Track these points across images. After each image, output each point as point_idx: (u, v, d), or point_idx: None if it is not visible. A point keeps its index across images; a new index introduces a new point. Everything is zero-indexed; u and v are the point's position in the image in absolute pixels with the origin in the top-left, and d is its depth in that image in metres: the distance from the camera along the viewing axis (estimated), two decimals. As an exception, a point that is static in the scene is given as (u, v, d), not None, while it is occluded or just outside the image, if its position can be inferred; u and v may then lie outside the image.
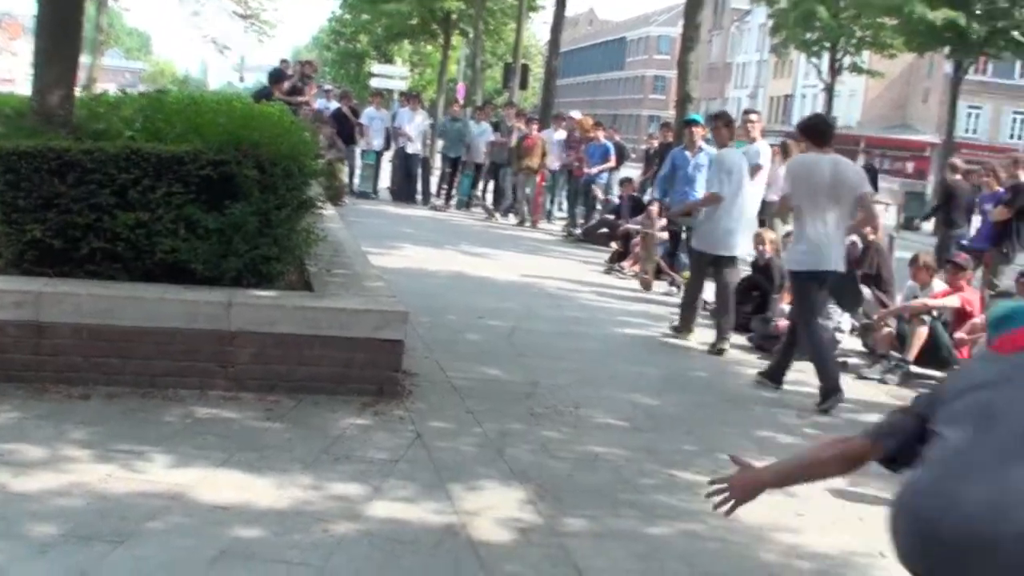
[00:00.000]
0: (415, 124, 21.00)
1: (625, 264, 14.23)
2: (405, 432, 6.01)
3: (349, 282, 7.51)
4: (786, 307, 10.03)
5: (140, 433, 5.53)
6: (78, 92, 8.21)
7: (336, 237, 9.44)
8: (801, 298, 8.26)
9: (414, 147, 20.99)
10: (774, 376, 8.41)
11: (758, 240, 11.12)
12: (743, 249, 10.51)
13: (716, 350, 9.46)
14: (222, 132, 6.98)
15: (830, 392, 7.91)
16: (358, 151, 21.39)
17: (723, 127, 10.22)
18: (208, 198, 6.72)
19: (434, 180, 21.84)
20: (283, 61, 22.90)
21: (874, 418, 7.44)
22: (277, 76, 18.58)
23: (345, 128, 20.24)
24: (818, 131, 8.30)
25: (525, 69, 32.13)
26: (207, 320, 6.35)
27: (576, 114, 21.40)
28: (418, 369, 7.40)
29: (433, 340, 8.47)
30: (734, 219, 9.91)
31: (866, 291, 10.43)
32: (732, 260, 10.04)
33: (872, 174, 16.41)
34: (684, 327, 10.08)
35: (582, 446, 6.19)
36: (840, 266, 8.24)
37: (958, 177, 15.39)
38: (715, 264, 9.97)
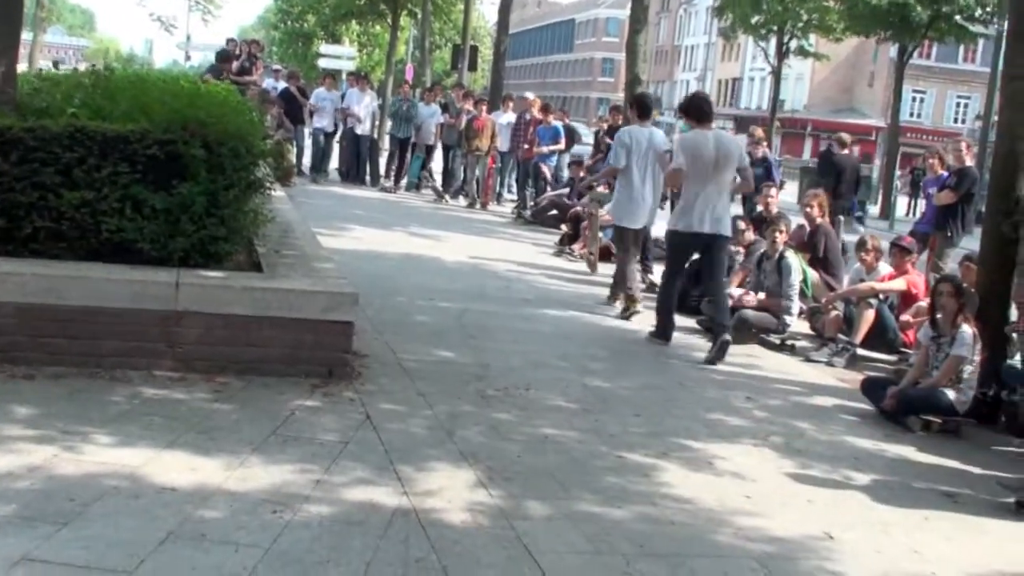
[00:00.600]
0: (364, 105, 20.87)
1: (575, 247, 14.25)
2: (355, 414, 5.99)
3: (298, 263, 7.47)
4: (735, 290, 10.12)
5: (86, 414, 5.47)
6: (20, 69, 8.08)
7: (285, 218, 9.39)
8: (671, 255, 9.43)
9: (363, 128, 20.87)
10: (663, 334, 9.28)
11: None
12: (646, 222, 10.86)
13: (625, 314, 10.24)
14: (168, 111, 6.90)
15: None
16: (306, 132, 21.24)
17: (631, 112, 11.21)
18: (155, 178, 6.65)
19: (383, 161, 21.74)
20: (230, 40, 22.66)
21: (821, 401, 7.58)
22: (225, 55, 18.41)
23: (293, 108, 20.10)
24: (700, 109, 9.34)
25: (474, 50, 32.11)
26: (154, 300, 6.28)
27: (529, 95, 21.38)
28: (368, 351, 7.37)
29: (383, 322, 8.45)
30: (636, 193, 10.42)
31: (813, 274, 10.53)
32: (635, 233, 10.72)
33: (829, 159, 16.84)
34: (611, 296, 10.86)
35: (533, 428, 6.20)
36: (717, 230, 9.06)
37: (845, 152, 16.77)
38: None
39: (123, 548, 4.01)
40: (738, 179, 9.36)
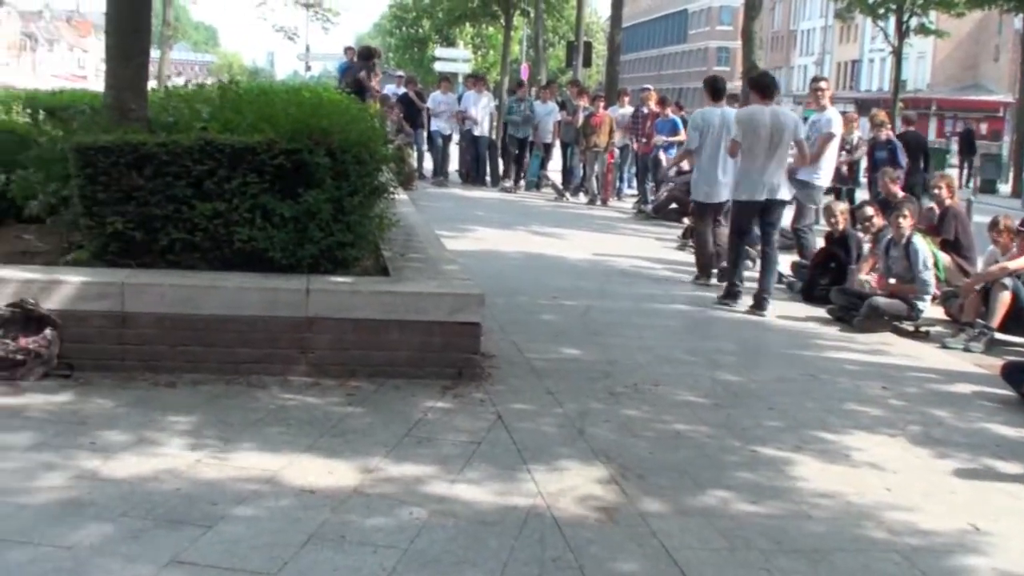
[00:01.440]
0: (481, 106, 21.00)
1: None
2: (486, 414, 6.03)
3: (424, 266, 7.55)
4: (864, 277, 9.91)
5: (226, 419, 5.61)
6: (151, 86, 8.33)
7: (408, 221, 9.50)
8: (735, 220, 10.27)
9: (480, 129, 20.99)
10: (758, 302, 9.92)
11: (829, 213, 11.02)
12: (723, 197, 11.34)
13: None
14: (292, 121, 7.03)
15: (728, 295, 10.09)
16: (425, 135, 21.44)
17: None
18: (282, 187, 6.79)
19: (502, 161, 21.84)
20: (348, 49, 23.00)
21: (960, 388, 7.38)
22: (368, 53, 18.66)
23: (411, 112, 20.32)
24: (761, 84, 10.24)
25: (588, 46, 32.02)
26: (286, 307, 6.42)
27: (648, 88, 21.24)
28: (495, 351, 7.41)
29: (509, 321, 8.48)
30: (712, 170, 11.26)
31: (946, 258, 10.25)
32: (714, 208, 11.52)
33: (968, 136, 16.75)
34: (701, 274, 11.37)
35: (663, 424, 6.16)
36: (776, 195, 9.95)
37: (912, 128, 17.21)
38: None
39: (266, 551, 4.10)
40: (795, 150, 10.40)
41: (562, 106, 21.07)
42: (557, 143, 21.21)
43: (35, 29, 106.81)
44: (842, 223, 10.75)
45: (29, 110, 11.24)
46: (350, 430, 5.58)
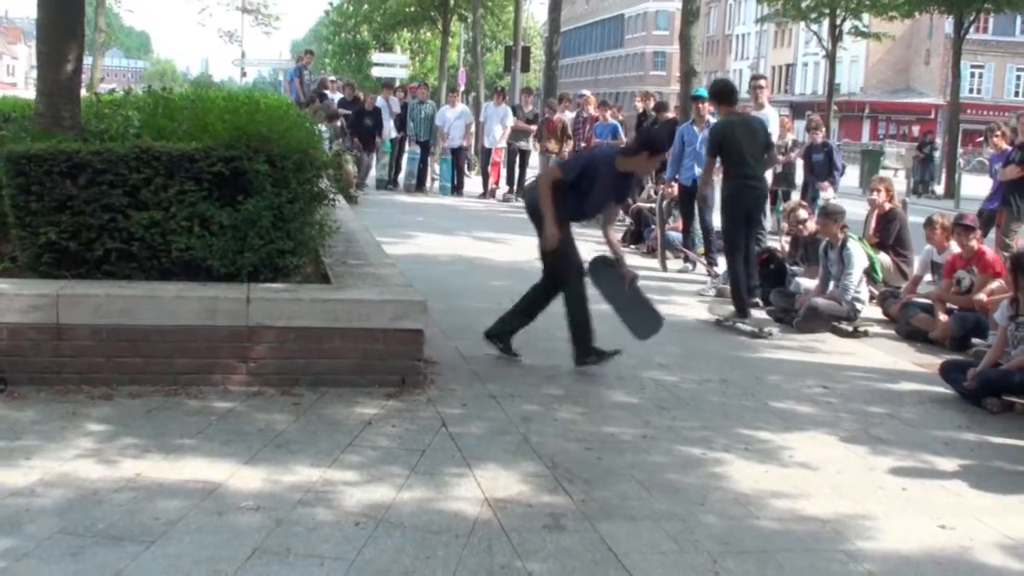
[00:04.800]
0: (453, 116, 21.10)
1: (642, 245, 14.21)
2: (430, 421, 5.99)
3: (365, 273, 7.49)
4: (808, 282, 9.98)
5: (165, 431, 5.52)
6: (83, 94, 8.19)
7: (348, 228, 9.42)
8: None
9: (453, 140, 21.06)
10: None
11: (793, 216, 11.14)
12: None
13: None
14: (229, 128, 6.94)
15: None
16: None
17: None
18: (220, 195, 6.70)
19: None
20: (307, 52, 22.96)
21: (899, 386, 7.44)
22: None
23: (358, 121, 20.26)
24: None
25: (526, 51, 32.00)
26: (226, 316, 6.33)
27: (586, 93, 21.35)
28: (438, 357, 7.38)
29: (450, 326, 8.45)
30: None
31: (885, 258, 10.37)
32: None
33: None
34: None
35: (606, 427, 6.16)
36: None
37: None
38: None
39: (209, 565, 4.03)
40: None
41: (515, 111, 21.16)
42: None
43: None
44: (810, 226, 10.84)
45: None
46: (293, 440, 5.51)
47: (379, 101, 21.14)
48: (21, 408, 5.76)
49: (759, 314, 9.78)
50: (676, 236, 13.40)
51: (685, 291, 11.22)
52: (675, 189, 13.22)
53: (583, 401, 6.70)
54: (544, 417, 6.27)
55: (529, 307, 7.83)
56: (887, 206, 10.91)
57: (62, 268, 6.60)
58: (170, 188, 6.62)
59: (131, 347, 6.22)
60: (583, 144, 19.01)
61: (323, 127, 14.96)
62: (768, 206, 12.98)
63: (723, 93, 9.90)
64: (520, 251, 13.25)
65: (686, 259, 12.91)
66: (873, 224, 11.05)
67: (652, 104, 18.80)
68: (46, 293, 6.18)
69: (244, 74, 52.00)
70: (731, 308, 9.53)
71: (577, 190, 7.48)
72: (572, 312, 7.58)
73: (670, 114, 17.56)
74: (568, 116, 20.13)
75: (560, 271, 7.66)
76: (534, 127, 20.31)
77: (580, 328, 7.53)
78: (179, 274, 6.69)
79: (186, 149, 6.72)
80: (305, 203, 7.05)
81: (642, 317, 7.97)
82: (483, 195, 20.93)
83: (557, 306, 9.82)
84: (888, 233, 10.78)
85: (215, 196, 6.69)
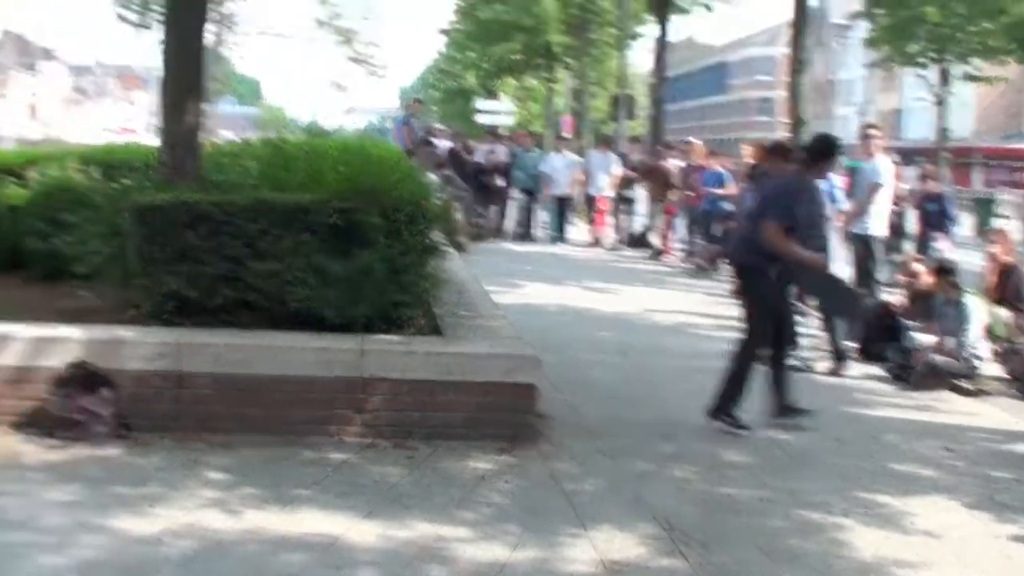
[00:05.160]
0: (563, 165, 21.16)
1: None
2: (542, 477, 5.96)
3: (477, 325, 7.50)
4: (922, 337, 9.75)
5: (283, 481, 5.58)
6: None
7: (459, 278, 9.45)
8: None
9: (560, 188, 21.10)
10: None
11: (907, 270, 10.92)
12: None
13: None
14: (343, 179, 7.03)
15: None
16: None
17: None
18: (335, 246, 6.78)
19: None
20: (416, 101, 23.36)
21: (1018, 449, 7.20)
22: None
23: (460, 167, 20.39)
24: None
25: (631, 99, 32.05)
26: (341, 367, 6.39)
27: (695, 141, 21.26)
28: (549, 410, 7.33)
29: (561, 379, 8.40)
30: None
31: (1006, 314, 10.10)
32: None
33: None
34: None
35: (723, 488, 6.06)
36: None
37: None
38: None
39: (328, 621, 4.04)
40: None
41: (623, 158, 21.17)
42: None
43: (85, 84, 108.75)
44: (926, 280, 10.58)
45: (84, 166, 11.38)
46: (407, 494, 5.52)
47: (482, 148, 21.30)
48: (145, 455, 5.88)
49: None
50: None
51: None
52: None
53: (697, 459, 6.60)
54: (658, 475, 6.20)
55: (739, 371, 7.54)
56: (1006, 260, 10.63)
57: (183, 317, 6.73)
58: (286, 239, 6.72)
59: (249, 396, 6.31)
60: (690, 193, 18.89)
61: (431, 175, 15.09)
62: (882, 257, 12.71)
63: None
64: (628, 301, 13.22)
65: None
66: (992, 279, 10.77)
67: (761, 155, 18.57)
68: (168, 342, 6.32)
69: (354, 122, 52.83)
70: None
71: (796, 222, 7.45)
72: (739, 365, 7.48)
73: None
74: (673, 164, 20.05)
75: (759, 319, 7.55)
76: (640, 175, 20.26)
77: (735, 384, 7.42)
78: (295, 324, 6.77)
79: (302, 200, 6.83)
80: (418, 255, 7.09)
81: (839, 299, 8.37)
82: (589, 244, 20.89)
83: (669, 359, 9.77)
84: (1007, 288, 10.50)
85: (330, 247, 6.77)
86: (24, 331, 6.37)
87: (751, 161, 18.15)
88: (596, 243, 20.80)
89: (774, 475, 6.39)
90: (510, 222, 21.64)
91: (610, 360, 9.58)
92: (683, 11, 29.28)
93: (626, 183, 20.65)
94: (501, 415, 6.54)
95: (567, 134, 30.70)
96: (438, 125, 29.24)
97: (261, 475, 5.67)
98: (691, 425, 7.38)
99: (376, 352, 6.45)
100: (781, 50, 79.84)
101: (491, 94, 49.66)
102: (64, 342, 6.27)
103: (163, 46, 7.99)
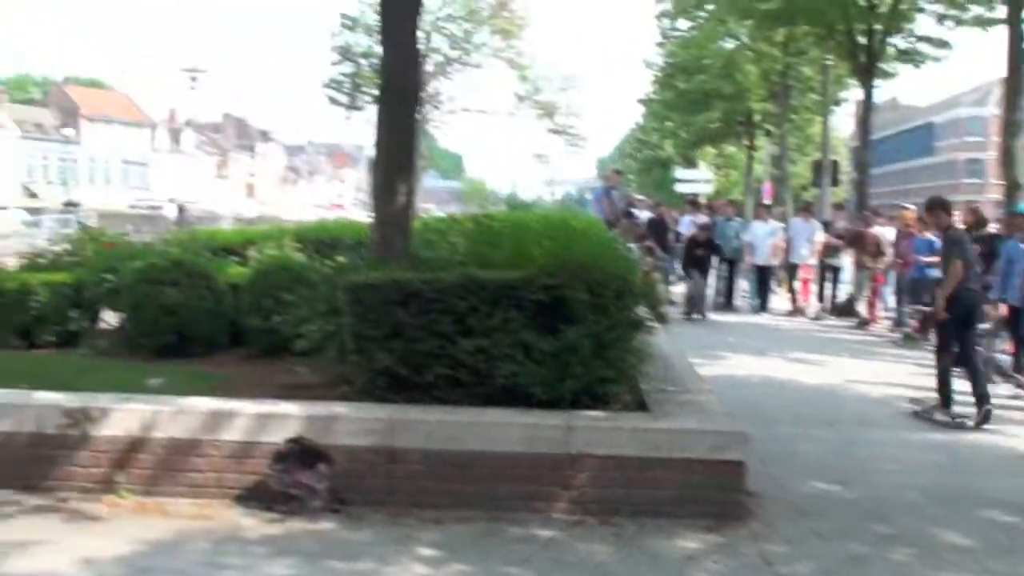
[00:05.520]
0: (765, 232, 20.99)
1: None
2: (753, 558, 5.85)
3: (683, 400, 7.44)
4: None
5: (492, 558, 5.65)
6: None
7: (663, 351, 9.41)
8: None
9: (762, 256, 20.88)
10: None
11: None
12: None
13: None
14: (549, 254, 7.13)
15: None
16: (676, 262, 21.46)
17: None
18: (542, 322, 6.86)
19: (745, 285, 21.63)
20: (615, 172, 23.60)
21: None
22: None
23: (660, 236, 20.40)
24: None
25: (834, 165, 31.46)
26: (548, 444, 6.44)
27: (909, 207, 20.69)
28: (756, 486, 7.19)
29: (767, 454, 8.23)
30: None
31: None
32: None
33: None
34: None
35: (944, 573, 5.81)
36: None
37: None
38: None
39: None
40: None
41: (826, 226, 20.81)
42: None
43: (298, 162, 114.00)
44: None
45: (299, 244, 11.92)
46: (615, 573, 5.52)
47: (685, 219, 21.22)
48: (358, 529, 6.05)
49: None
50: (1005, 359, 12.64)
51: (1015, 419, 10.51)
52: (1003, 310, 12.51)
53: (914, 541, 6.35)
54: (875, 559, 5.99)
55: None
56: None
57: (394, 392, 6.93)
58: (495, 316, 6.85)
59: (458, 472, 6.43)
60: (899, 260, 18.35)
61: (632, 246, 15.14)
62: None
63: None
64: (833, 372, 12.89)
65: (1018, 385, 12.13)
66: None
67: (972, 219, 17.93)
68: (381, 418, 6.51)
69: (553, 193, 53.61)
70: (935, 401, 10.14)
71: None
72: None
73: (991, 228, 16.73)
74: (879, 230, 19.55)
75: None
76: (845, 242, 19.82)
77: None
78: (502, 400, 6.87)
79: (509, 277, 6.95)
80: (624, 330, 7.11)
81: None
82: (791, 313, 20.49)
83: (878, 433, 9.46)
84: None
85: (537, 323, 6.86)
86: (248, 408, 6.69)
87: (962, 224, 17.55)
88: (799, 312, 20.40)
89: (997, 559, 6.08)
90: (711, 291, 21.44)
91: (817, 434, 9.34)
92: (889, 75, 28.58)
93: (831, 251, 20.23)
94: (708, 492, 6.47)
95: (768, 201, 30.37)
96: (638, 195, 29.39)
97: (470, 551, 5.74)
98: (905, 503, 7.12)
99: (583, 428, 6.48)
100: (992, 110, 77.15)
101: (690, 163, 49.70)
102: (283, 418, 6.54)
103: (375, 129, 8.32)
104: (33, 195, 70.91)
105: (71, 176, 78.57)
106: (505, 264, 7.22)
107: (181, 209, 59.05)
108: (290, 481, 6.24)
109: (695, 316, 18.44)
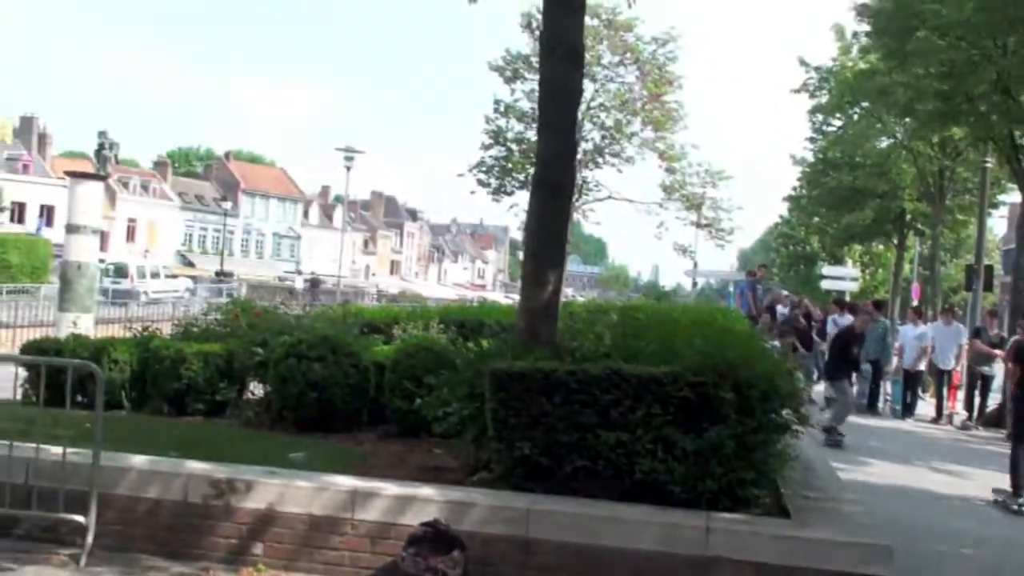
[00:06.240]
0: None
1: None
2: None
3: (826, 508, 7.23)
4: None
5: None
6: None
7: (805, 455, 9.19)
8: None
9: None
10: None
11: None
12: None
13: None
14: (697, 353, 7.06)
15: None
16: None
17: None
18: (685, 419, 6.77)
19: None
20: (761, 267, 23.48)
21: None
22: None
23: (803, 335, 20.07)
24: None
25: (988, 269, 30.54)
26: (685, 544, 6.32)
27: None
28: (900, 605, 6.92)
29: (911, 570, 7.93)
30: None
31: None
32: None
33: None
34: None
35: None
36: None
37: None
38: None
39: None
40: None
41: (977, 332, 20.22)
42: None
43: (442, 242, 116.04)
44: None
45: (442, 324, 12.07)
46: None
47: (832, 318, 20.84)
48: (489, 619, 5.99)
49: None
50: None
51: None
52: None
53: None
54: None
55: None
56: None
57: (531, 481, 6.90)
58: (637, 410, 6.79)
59: (592, 566, 6.34)
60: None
61: (776, 343, 14.95)
62: None
63: None
64: (981, 487, 12.40)
65: None
66: None
67: None
68: (518, 507, 6.49)
69: (695, 284, 53.32)
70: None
71: None
72: None
73: None
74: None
75: None
76: (999, 351, 19.15)
77: None
78: (639, 496, 6.78)
79: (655, 372, 6.88)
80: (769, 432, 6.97)
81: None
82: (936, 419, 19.86)
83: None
84: None
85: (680, 420, 6.78)
86: (388, 489, 6.75)
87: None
88: (946, 420, 19.76)
89: None
90: (855, 394, 20.92)
91: (965, 552, 8.99)
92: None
93: (983, 358, 19.59)
94: (853, 607, 6.23)
95: (916, 302, 29.65)
96: (783, 292, 29.00)
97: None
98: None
99: (722, 531, 6.34)
100: None
101: (836, 260, 48.89)
102: (422, 501, 6.57)
103: (527, 217, 8.42)
104: (189, 264, 73.50)
105: (226, 247, 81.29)
106: (650, 358, 7.17)
107: (314, 283, 60.70)
108: (423, 565, 6.22)
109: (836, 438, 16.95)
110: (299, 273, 67.73)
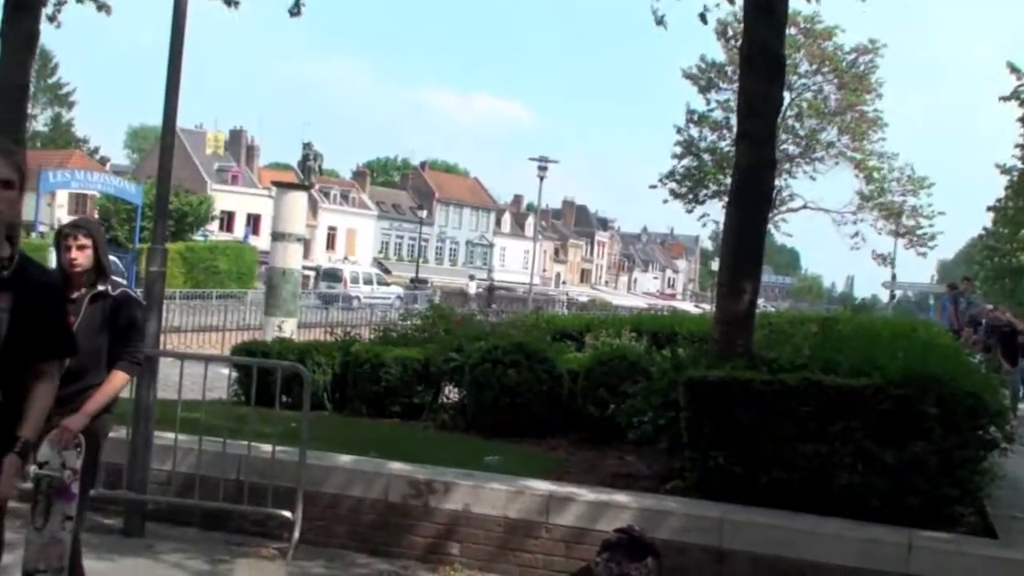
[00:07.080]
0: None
1: None
2: None
3: (1037, 529, 6.95)
4: None
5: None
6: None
7: (1012, 472, 8.83)
8: None
9: None
10: None
11: None
12: None
13: None
14: (900, 366, 6.88)
15: None
16: None
17: None
18: (886, 433, 6.61)
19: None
20: (964, 280, 22.70)
21: None
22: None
23: (1009, 348, 19.22)
24: None
25: None
26: (886, 562, 6.17)
27: None
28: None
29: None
30: None
31: None
32: None
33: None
34: None
35: None
36: None
37: None
38: None
39: None
40: None
41: None
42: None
43: (633, 251, 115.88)
44: None
45: (634, 333, 12.08)
46: None
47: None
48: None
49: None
50: None
51: None
52: None
53: None
54: None
55: None
56: None
57: (725, 491, 6.85)
58: (836, 422, 6.66)
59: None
60: None
61: (978, 357, 14.37)
62: None
63: None
64: None
65: None
66: None
67: None
68: (713, 516, 6.46)
69: (893, 296, 51.74)
70: None
71: None
72: None
73: None
74: None
75: None
76: None
77: None
78: (835, 510, 6.64)
79: (855, 384, 6.74)
80: (975, 449, 6.74)
81: None
82: None
83: None
84: None
85: (880, 433, 6.62)
86: (584, 495, 6.82)
87: None
88: None
89: None
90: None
91: None
92: None
93: None
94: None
95: None
96: (988, 306, 27.83)
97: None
98: None
99: (925, 549, 6.16)
100: None
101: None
102: (615, 507, 6.61)
103: (723, 228, 8.35)
104: (386, 271, 75.34)
105: (421, 254, 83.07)
106: (850, 370, 7.02)
107: (490, 289, 61.53)
108: (617, 571, 6.26)
109: None
110: (471, 279, 68.73)
